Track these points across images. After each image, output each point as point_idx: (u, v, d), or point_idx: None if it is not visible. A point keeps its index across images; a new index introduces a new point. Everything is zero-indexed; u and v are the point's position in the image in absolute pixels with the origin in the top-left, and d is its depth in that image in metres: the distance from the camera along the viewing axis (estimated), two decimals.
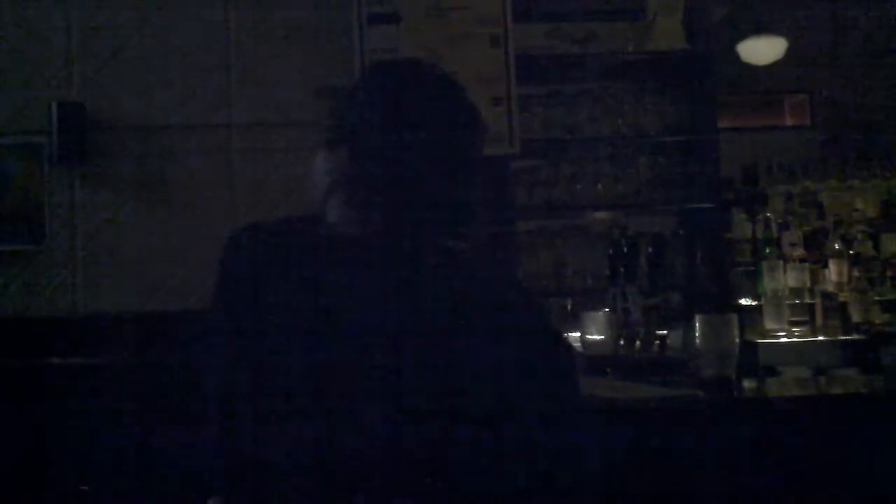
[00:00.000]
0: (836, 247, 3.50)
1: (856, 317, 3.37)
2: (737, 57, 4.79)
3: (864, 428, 1.91)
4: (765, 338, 3.28)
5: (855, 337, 3.30)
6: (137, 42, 3.46)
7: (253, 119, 3.49)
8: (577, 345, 2.43)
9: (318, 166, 1.26)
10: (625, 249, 2.94)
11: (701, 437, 1.88)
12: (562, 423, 1.20)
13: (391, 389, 1.13)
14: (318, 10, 3.53)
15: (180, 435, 2.15)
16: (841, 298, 3.40)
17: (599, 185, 3.67)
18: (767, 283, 3.38)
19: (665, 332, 2.51)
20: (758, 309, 3.37)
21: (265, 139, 3.48)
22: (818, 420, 1.94)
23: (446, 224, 1.22)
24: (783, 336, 3.30)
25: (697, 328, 2.00)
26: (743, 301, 3.43)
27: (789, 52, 4.81)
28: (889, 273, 3.55)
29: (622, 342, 2.55)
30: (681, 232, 3.61)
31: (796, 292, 3.38)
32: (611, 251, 3.02)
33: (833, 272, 3.46)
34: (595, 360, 2.40)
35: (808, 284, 3.44)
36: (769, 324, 3.31)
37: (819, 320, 3.38)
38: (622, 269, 2.82)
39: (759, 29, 4.73)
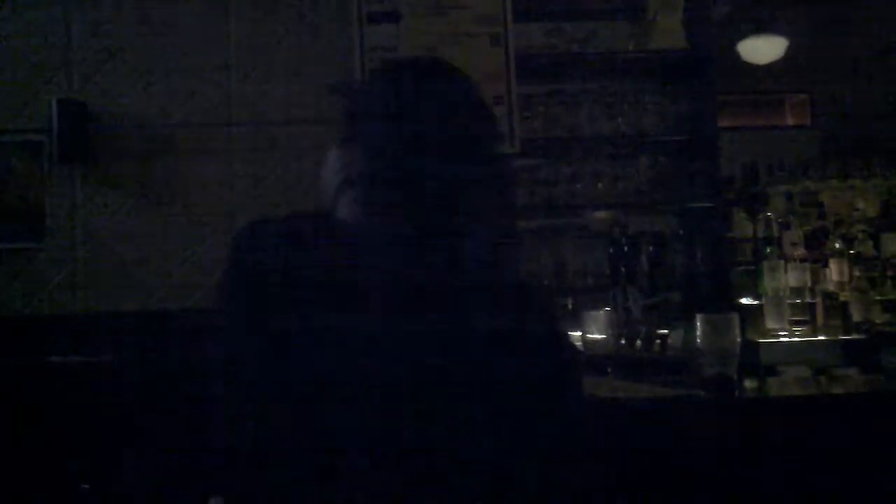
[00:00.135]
0: (837, 246, 3.50)
1: (856, 316, 3.37)
2: (737, 56, 4.79)
3: (864, 427, 1.90)
4: (766, 337, 3.29)
5: (856, 336, 3.30)
6: (138, 40, 3.46)
7: (253, 118, 3.49)
8: (577, 344, 2.43)
9: (330, 163, 1.26)
10: (625, 249, 2.94)
11: (702, 436, 1.87)
12: (563, 424, 1.20)
13: (398, 389, 1.13)
14: (317, 8, 3.53)
15: (182, 434, 2.15)
16: (842, 298, 3.40)
17: (600, 185, 3.67)
18: (768, 283, 3.38)
19: (666, 331, 2.51)
20: (759, 308, 3.37)
21: (265, 138, 3.48)
22: (819, 420, 1.94)
23: (459, 222, 1.21)
24: (784, 335, 3.30)
25: (698, 328, 2.00)
26: (744, 300, 3.43)
27: (790, 52, 4.82)
28: (889, 273, 3.55)
29: (623, 342, 2.55)
30: (681, 231, 3.61)
31: (797, 292, 3.38)
32: (611, 250, 3.02)
33: (834, 272, 3.47)
34: (596, 359, 2.40)
35: (809, 284, 3.44)
36: (770, 323, 3.31)
37: (820, 320, 3.38)
38: (623, 269, 2.82)
39: (760, 28, 4.73)
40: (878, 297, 3.47)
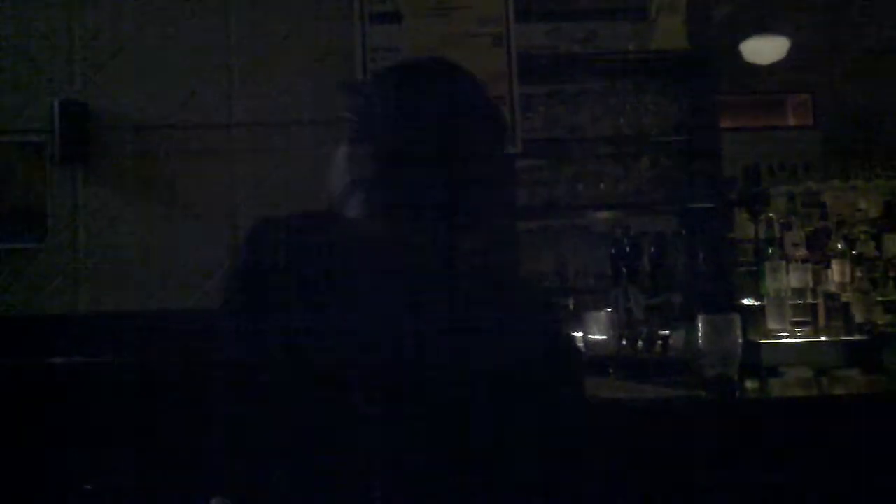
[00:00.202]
0: (839, 247, 3.49)
1: (858, 317, 3.36)
2: (739, 57, 4.79)
3: (866, 428, 1.90)
4: (767, 338, 3.28)
5: (857, 337, 3.29)
6: (139, 41, 3.46)
7: (254, 119, 3.49)
8: (579, 345, 2.43)
9: (338, 163, 1.26)
10: (627, 249, 2.94)
11: (703, 437, 1.87)
12: (564, 424, 1.20)
13: (403, 389, 1.13)
14: (318, 9, 3.52)
15: (184, 434, 2.15)
16: (843, 299, 3.40)
17: (601, 185, 3.66)
18: (770, 284, 3.37)
19: (667, 332, 2.52)
20: (760, 309, 3.37)
21: (266, 139, 3.48)
22: (820, 421, 1.94)
23: (468, 223, 1.22)
24: (785, 336, 3.30)
25: (700, 328, 2.00)
26: (745, 301, 3.43)
27: (791, 52, 4.82)
28: (892, 273, 3.55)
29: (624, 342, 2.55)
30: (683, 232, 3.61)
31: (799, 293, 3.38)
32: (613, 251, 3.03)
33: (835, 272, 3.46)
34: (597, 360, 2.40)
35: (811, 285, 3.43)
36: (772, 324, 3.31)
37: (821, 321, 3.38)
38: (624, 270, 2.83)
39: (762, 29, 4.73)
40: (880, 298, 3.47)
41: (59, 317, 3.29)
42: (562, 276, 3.59)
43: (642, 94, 3.77)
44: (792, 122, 5.82)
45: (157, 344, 3.05)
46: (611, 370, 2.39)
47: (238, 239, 3.30)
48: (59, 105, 3.32)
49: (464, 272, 1.19)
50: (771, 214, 3.59)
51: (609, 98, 3.74)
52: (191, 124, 3.46)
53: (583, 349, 2.43)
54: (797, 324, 3.31)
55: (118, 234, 3.39)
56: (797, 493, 1.86)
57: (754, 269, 3.49)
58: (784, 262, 3.42)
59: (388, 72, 1.36)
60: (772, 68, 4.97)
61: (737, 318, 2.03)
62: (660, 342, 2.50)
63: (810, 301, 3.39)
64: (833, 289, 3.43)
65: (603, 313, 2.56)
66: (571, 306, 3.24)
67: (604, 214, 3.71)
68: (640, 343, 2.53)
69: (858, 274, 3.47)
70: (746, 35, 4.78)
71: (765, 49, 4.83)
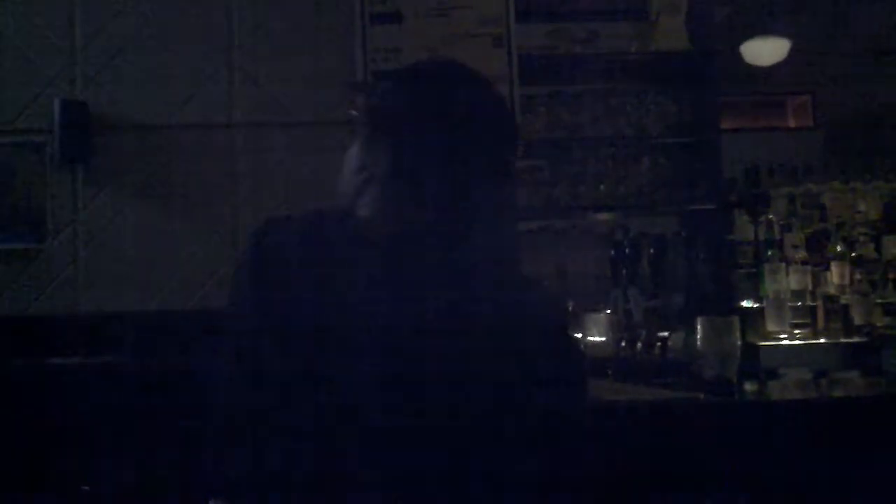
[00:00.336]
0: (839, 249, 3.49)
1: (858, 319, 3.36)
2: (740, 58, 4.79)
3: (865, 431, 1.90)
4: (766, 340, 3.28)
5: (857, 340, 3.29)
6: (140, 41, 3.46)
7: (255, 119, 3.49)
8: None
9: (350, 162, 1.27)
10: (626, 251, 2.94)
11: (702, 439, 1.87)
12: (566, 425, 1.21)
13: (412, 387, 1.13)
14: (319, 9, 3.53)
15: (184, 435, 2.15)
16: (843, 301, 3.39)
17: (601, 186, 3.67)
18: (769, 286, 3.37)
19: (666, 333, 2.51)
20: (759, 311, 3.36)
21: (267, 139, 3.48)
22: (819, 423, 1.94)
23: (479, 222, 1.23)
24: (785, 338, 3.30)
25: (699, 330, 2.00)
26: (745, 303, 3.42)
27: (791, 53, 4.82)
28: (891, 276, 3.54)
29: (623, 344, 2.55)
30: (682, 233, 3.60)
31: (798, 294, 3.37)
32: (612, 252, 3.02)
33: (835, 274, 3.45)
34: (596, 361, 2.40)
35: (810, 287, 3.43)
36: (771, 326, 3.30)
37: (821, 323, 3.37)
38: (624, 271, 2.82)
39: (762, 30, 4.73)
40: (880, 300, 3.46)
41: (58, 317, 3.29)
42: (561, 277, 3.59)
43: (643, 94, 3.77)
44: (792, 123, 5.83)
45: (157, 344, 3.06)
46: (609, 371, 2.39)
47: (239, 239, 3.32)
48: (60, 105, 3.32)
49: (472, 270, 1.20)
50: (771, 216, 3.59)
51: (609, 99, 3.75)
52: (191, 124, 3.46)
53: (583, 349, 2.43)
54: (796, 326, 3.30)
55: (118, 234, 3.40)
56: (796, 494, 1.86)
57: (754, 270, 3.48)
58: (783, 264, 3.42)
59: (404, 73, 1.37)
60: (772, 70, 4.97)
61: (736, 320, 2.03)
62: (659, 344, 2.50)
63: (810, 303, 3.39)
64: (832, 291, 3.42)
65: (602, 315, 2.56)
66: (571, 308, 3.24)
67: (603, 215, 3.72)
68: (639, 344, 2.53)
69: (858, 276, 3.46)
70: (747, 36, 4.78)
71: (765, 50, 4.83)
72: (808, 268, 3.44)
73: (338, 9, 3.48)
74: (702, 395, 1.98)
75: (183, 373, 2.14)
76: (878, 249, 3.58)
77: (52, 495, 2.72)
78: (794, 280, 3.38)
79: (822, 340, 3.31)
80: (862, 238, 3.58)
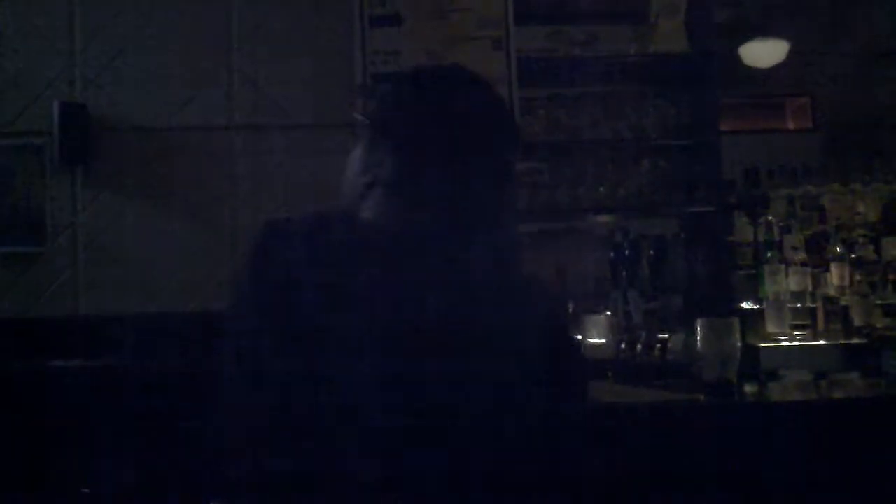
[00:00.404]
0: (838, 250, 3.49)
1: (857, 321, 3.36)
2: (739, 60, 4.79)
3: (865, 432, 1.90)
4: (766, 341, 3.28)
5: (856, 341, 3.29)
6: (139, 43, 3.47)
7: (254, 121, 3.49)
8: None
9: (354, 164, 1.28)
10: (626, 253, 2.94)
11: (702, 441, 1.87)
12: (566, 426, 1.21)
13: (413, 388, 1.13)
14: (319, 11, 3.53)
15: (183, 437, 2.15)
16: (842, 302, 3.39)
17: (601, 188, 3.67)
18: (769, 287, 3.37)
19: (666, 335, 2.52)
20: (759, 312, 3.37)
21: (266, 141, 3.48)
22: (819, 424, 1.94)
23: (481, 224, 1.24)
24: (784, 340, 3.30)
25: (699, 332, 2.00)
26: (744, 304, 3.42)
27: (790, 55, 4.82)
28: (891, 277, 3.54)
29: (623, 346, 2.55)
30: (682, 235, 3.61)
31: (798, 296, 3.38)
32: (612, 254, 3.03)
33: (834, 276, 3.46)
34: (596, 363, 2.40)
35: (810, 288, 3.43)
36: (771, 327, 3.30)
37: (820, 324, 3.37)
38: (624, 273, 2.83)
39: (761, 32, 4.73)
40: (879, 302, 3.46)
41: (59, 320, 3.29)
42: (561, 279, 3.59)
43: (642, 97, 3.77)
44: (791, 125, 5.82)
45: (157, 347, 3.06)
46: (609, 373, 2.39)
47: (239, 241, 3.32)
48: (59, 107, 3.32)
49: (473, 272, 1.20)
50: (770, 218, 3.59)
51: (609, 101, 3.75)
52: (190, 126, 3.46)
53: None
54: (796, 327, 3.30)
55: (118, 236, 3.40)
56: (796, 495, 1.86)
57: (753, 272, 3.49)
58: (783, 266, 3.42)
59: (406, 77, 1.39)
60: (771, 71, 4.98)
61: (736, 322, 2.03)
62: (659, 345, 2.50)
63: (809, 304, 3.39)
64: (832, 292, 3.43)
65: (602, 316, 2.56)
66: (571, 310, 3.25)
67: (603, 217, 3.72)
68: (639, 346, 2.53)
69: (857, 277, 3.46)
70: (746, 38, 4.78)
71: (764, 52, 4.83)
72: (808, 269, 3.44)
73: (337, 11, 3.48)
74: (702, 397, 1.98)
75: (183, 374, 2.14)
76: (877, 251, 3.58)
77: (53, 497, 2.72)
78: (793, 281, 3.39)
79: (821, 342, 3.31)
80: (861, 239, 3.59)
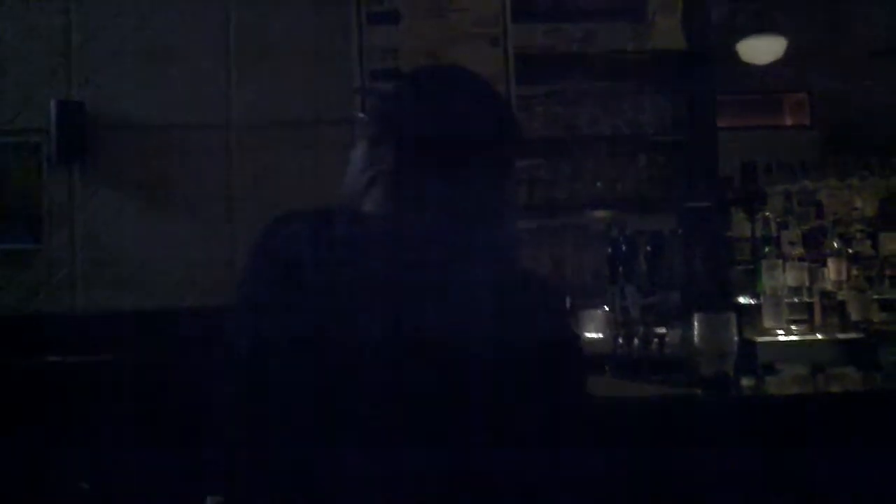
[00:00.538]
0: (835, 246, 3.50)
1: (854, 315, 3.37)
2: (736, 56, 4.80)
3: (861, 426, 1.91)
4: (763, 336, 3.29)
5: (853, 335, 3.30)
6: (137, 41, 3.46)
7: (252, 119, 3.49)
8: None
9: (356, 161, 1.30)
10: (623, 248, 2.93)
11: (699, 435, 1.88)
12: (563, 420, 1.21)
13: (415, 384, 1.13)
14: (317, 9, 3.53)
15: (182, 433, 2.15)
16: (839, 297, 3.41)
17: (598, 184, 3.67)
18: (766, 282, 3.38)
19: (664, 330, 2.52)
20: (757, 307, 3.38)
21: (264, 139, 3.48)
22: (816, 418, 1.94)
23: (483, 220, 1.26)
24: (782, 334, 3.31)
25: (696, 327, 2.01)
26: (742, 300, 3.43)
27: (788, 52, 4.82)
28: (887, 272, 3.56)
29: (620, 341, 2.55)
30: (680, 231, 3.60)
31: (795, 291, 3.39)
32: (609, 250, 3.02)
33: (832, 271, 3.47)
34: (594, 358, 2.40)
35: (807, 283, 3.44)
36: (768, 322, 3.32)
37: (818, 319, 3.39)
38: (621, 268, 2.82)
39: (759, 28, 4.73)
40: (876, 296, 3.47)
41: (56, 316, 3.29)
42: (558, 274, 3.60)
43: (639, 93, 3.78)
44: (789, 121, 5.83)
45: (155, 344, 3.06)
46: (607, 368, 2.40)
47: (238, 239, 3.32)
48: (56, 105, 3.32)
49: (473, 267, 1.21)
50: (767, 213, 3.60)
51: (606, 98, 3.75)
52: (188, 124, 3.46)
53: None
54: (793, 322, 3.32)
55: (115, 233, 3.39)
56: (793, 490, 1.86)
57: (751, 267, 3.50)
58: (781, 261, 3.43)
59: (408, 76, 1.41)
60: (769, 68, 4.98)
61: (733, 317, 2.03)
62: (656, 340, 2.50)
63: (806, 299, 3.40)
64: (829, 287, 3.44)
65: (599, 312, 2.56)
66: (568, 305, 3.25)
67: (601, 213, 3.72)
68: (636, 341, 2.53)
69: (854, 272, 3.48)
70: (743, 35, 4.79)
71: (761, 49, 4.84)
72: (805, 264, 3.45)
73: (335, 8, 3.48)
74: (699, 391, 1.98)
75: (182, 371, 2.15)
76: (874, 246, 3.60)
77: (51, 493, 2.73)
78: (790, 277, 3.40)
79: (818, 336, 3.32)
80: (858, 235, 3.60)
